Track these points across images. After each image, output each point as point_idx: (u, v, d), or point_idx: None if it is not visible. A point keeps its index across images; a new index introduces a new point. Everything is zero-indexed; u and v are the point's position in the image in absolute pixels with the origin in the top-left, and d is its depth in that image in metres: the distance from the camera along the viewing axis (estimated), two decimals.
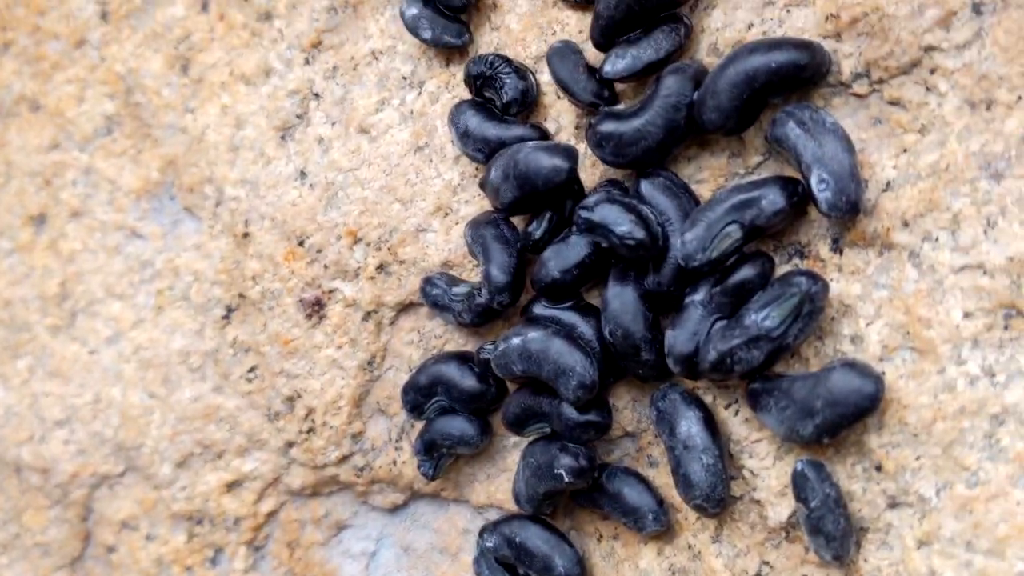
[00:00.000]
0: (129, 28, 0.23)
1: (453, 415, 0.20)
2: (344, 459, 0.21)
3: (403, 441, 0.21)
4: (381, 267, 0.20)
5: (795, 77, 0.16)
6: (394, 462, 0.21)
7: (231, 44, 0.22)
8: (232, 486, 0.23)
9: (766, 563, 0.17)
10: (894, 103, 0.16)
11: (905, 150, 0.16)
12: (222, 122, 0.22)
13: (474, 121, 0.19)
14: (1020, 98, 0.15)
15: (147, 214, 0.23)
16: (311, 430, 0.21)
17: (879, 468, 0.16)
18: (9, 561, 0.25)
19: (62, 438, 0.25)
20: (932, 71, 0.16)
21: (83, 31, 0.24)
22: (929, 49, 0.16)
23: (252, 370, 0.22)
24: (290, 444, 0.22)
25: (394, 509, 0.22)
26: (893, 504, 0.16)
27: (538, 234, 0.18)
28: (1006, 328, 0.15)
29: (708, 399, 0.18)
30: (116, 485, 0.24)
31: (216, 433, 0.22)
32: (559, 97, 0.19)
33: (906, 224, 0.16)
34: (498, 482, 0.20)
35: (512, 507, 0.20)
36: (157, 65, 0.23)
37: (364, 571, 0.22)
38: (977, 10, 0.15)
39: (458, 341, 0.20)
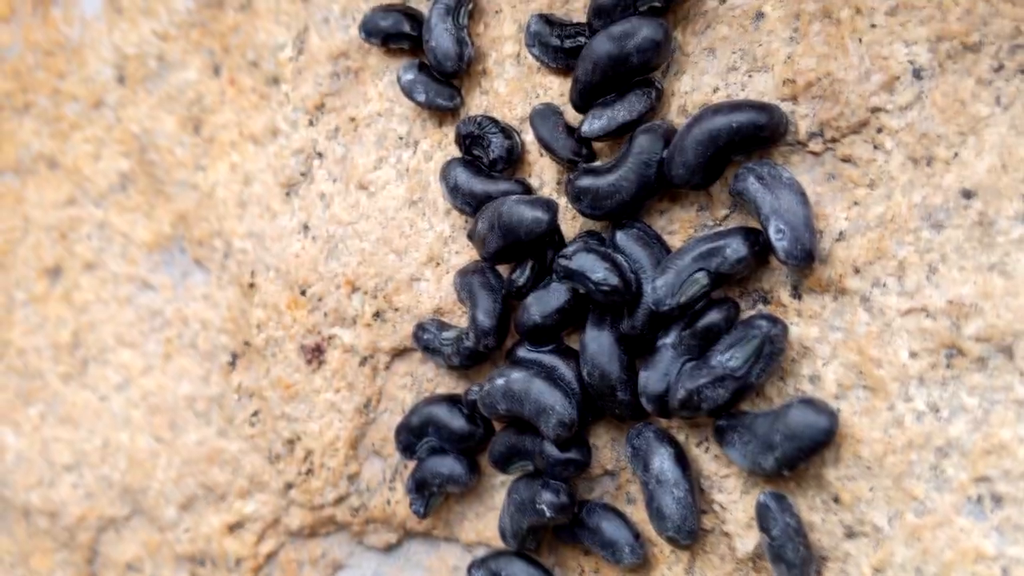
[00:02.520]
0: (144, 91, 0.27)
1: (443, 455, 0.22)
2: (340, 500, 0.24)
3: (396, 481, 0.24)
4: (377, 314, 0.23)
5: (755, 136, 0.19)
6: (388, 502, 0.24)
7: (241, 106, 0.25)
8: (234, 528, 0.25)
9: None
10: (846, 160, 0.19)
11: (856, 203, 0.19)
12: (231, 179, 0.25)
13: (463, 177, 0.22)
14: (957, 154, 0.18)
15: (158, 266, 0.27)
16: (309, 471, 0.24)
17: (836, 499, 0.19)
18: None
19: (70, 482, 0.28)
20: (879, 130, 0.19)
21: (100, 93, 0.28)
22: (876, 110, 0.19)
23: (255, 414, 0.25)
24: (289, 486, 0.25)
25: (388, 548, 0.24)
26: (850, 534, 0.19)
27: (521, 281, 0.21)
28: (948, 367, 0.18)
29: (681, 437, 0.20)
30: (122, 528, 0.27)
31: (219, 476, 0.25)
32: (541, 155, 0.22)
33: (857, 271, 0.19)
34: (486, 520, 0.23)
35: (500, 544, 0.22)
36: (170, 125, 0.26)
37: None
38: (917, 75, 0.18)
39: (449, 384, 0.23)
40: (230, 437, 0.25)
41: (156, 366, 0.26)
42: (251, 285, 0.25)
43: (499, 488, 0.23)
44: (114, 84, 0.27)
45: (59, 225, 0.28)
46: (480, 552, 0.23)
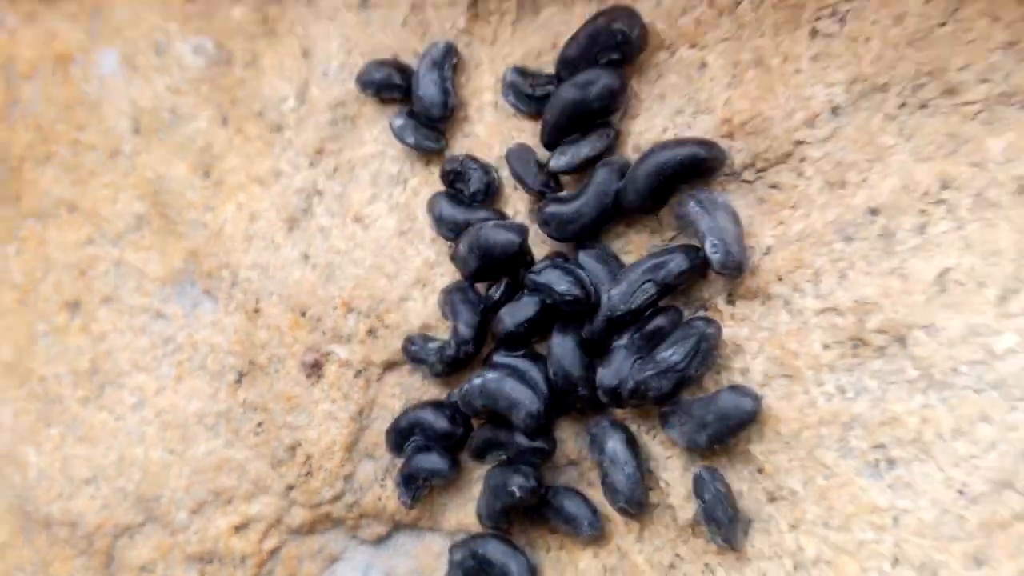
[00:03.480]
0: (158, 140, 0.33)
1: (428, 452, 0.28)
2: (337, 498, 0.29)
3: (387, 479, 0.29)
4: (370, 331, 0.29)
5: (697, 168, 0.25)
6: (379, 498, 0.29)
7: (247, 152, 0.31)
8: (240, 528, 0.30)
9: (677, 555, 0.25)
10: (773, 186, 0.25)
11: (781, 222, 0.25)
12: (238, 217, 0.31)
13: (447, 208, 0.27)
14: (865, 179, 0.24)
15: (170, 297, 0.32)
16: (309, 473, 0.29)
17: (760, 471, 0.24)
18: None
19: (88, 494, 0.33)
20: (801, 160, 0.24)
21: (117, 143, 0.34)
22: (799, 143, 0.24)
23: (259, 425, 0.30)
24: (291, 487, 0.30)
25: (379, 541, 0.29)
26: (771, 499, 0.24)
27: (497, 296, 0.26)
28: (854, 356, 0.23)
29: (633, 427, 0.26)
30: (136, 534, 0.32)
31: (227, 481, 0.30)
32: (515, 188, 0.27)
33: (780, 279, 0.24)
34: (467, 510, 0.28)
35: (478, 530, 0.27)
36: (182, 171, 0.32)
37: None
38: (835, 112, 0.24)
39: (433, 392, 0.28)
40: (236, 447, 0.30)
41: (168, 387, 0.31)
42: (256, 310, 0.30)
43: (476, 482, 0.28)
44: (130, 134, 0.33)
45: (78, 263, 0.33)
46: (461, 538, 0.28)
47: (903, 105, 0.23)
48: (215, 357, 0.31)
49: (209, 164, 0.31)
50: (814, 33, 0.24)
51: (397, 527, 0.29)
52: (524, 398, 0.25)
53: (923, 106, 0.23)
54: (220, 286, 0.31)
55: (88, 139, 0.34)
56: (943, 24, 0.23)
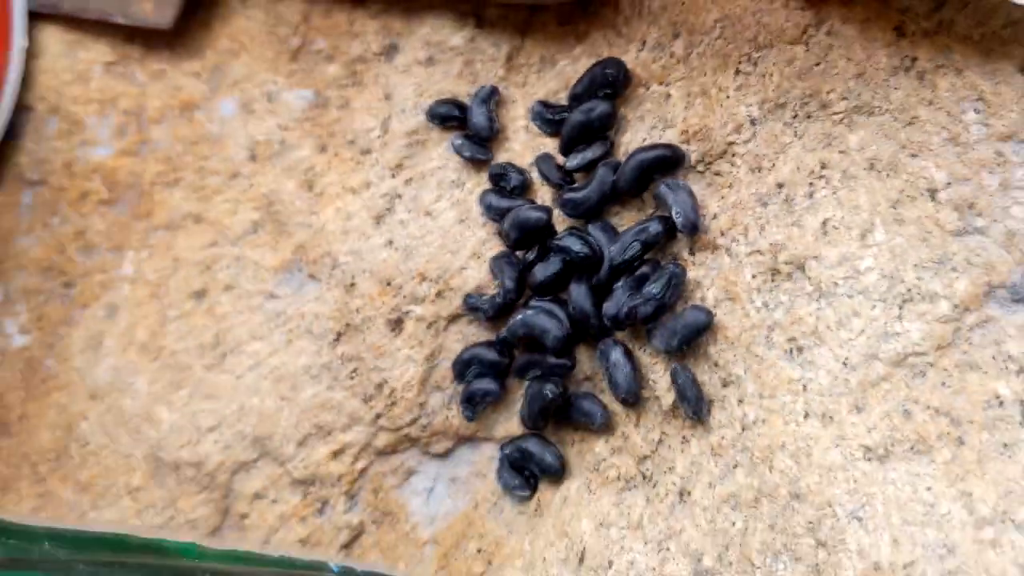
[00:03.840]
0: (271, 165, 0.55)
1: (483, 378, 0.49)
2: (414, 421, 0.50)
3: (452, 404, 0.50)
4: (438, 294, 0.50)
5: (665, 163, 0.47)
6: (446, 418, 0.50)
7: (342, 170, 0.53)
8: (337, 453, 0.51)
9: (664, 432, 0.46)
10: (716, 173, 0.46)
11: (722, 197, 0.46)
12: (336, 217, 0.53)
13: (494, 200, 0.49)
14: (774, 164, 0.45)
15: (282, 282, 0.54)
16: (393, 404, 0.50)
17: (716, 364, 0.45)
18: (165, 536, 0.53)
19: (212, 439, 0.53)
20: (733, 155, 0.46)
21: (237, 168, 0.55)
22: (731, 144, 0.46)
23: (354, 371, 0.51)
24: (378, 416, 0.51)
25: (445, 453, 0.50)
26: (724, 383, 0.45)
27: (531, 258, 0.48)
28: (772, 280, 0.44)
29: (629, 344, 0.47)
30: (251, 468, 0.53)
31: (327, 417, 0.51)
32: (542, 183, 0.49)
33: (723, 234, 0.46)
34: (512, 422, 0.49)
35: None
36: (291, 187, 0.54)
37: (425, 503, 0.50)
38: (752, 123, 0.46)
39: (485, 335, 0.49)
40: (336, 389, 0.51)
41: (280, 349, 0.53)
42: (351, 285, 0.52)
43: (518, 400, 0.49)
44: (247, 161, 0.55)
45: (203, 261, 0.55)
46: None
47: (795, 116, 0.45)
48: (318, 323, 0.52)
49: (312, 180, 0.53)
50: (737, 72, 0.46)
51: (459, 441, 0.50)
52: (552, 327, 0.46)
53: (808, 116, 0.44)
54: (322, 270, 0.52)
55: (212, 166, 0.56)
56: (818, 64, 0.44)
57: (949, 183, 0.40)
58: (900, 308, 0.40)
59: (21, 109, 0.58)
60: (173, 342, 0.53)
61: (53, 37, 0.57)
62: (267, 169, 0.53)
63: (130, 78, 0.56)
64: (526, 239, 0.46)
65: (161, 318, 0.54)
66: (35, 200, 0.56)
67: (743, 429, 0.42)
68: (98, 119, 0.57)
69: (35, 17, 0.58)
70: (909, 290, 0.40)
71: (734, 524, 0.42)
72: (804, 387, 0.41)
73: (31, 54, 0.58)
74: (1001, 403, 0.39)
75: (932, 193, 0.41)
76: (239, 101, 0.54)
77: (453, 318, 0.49)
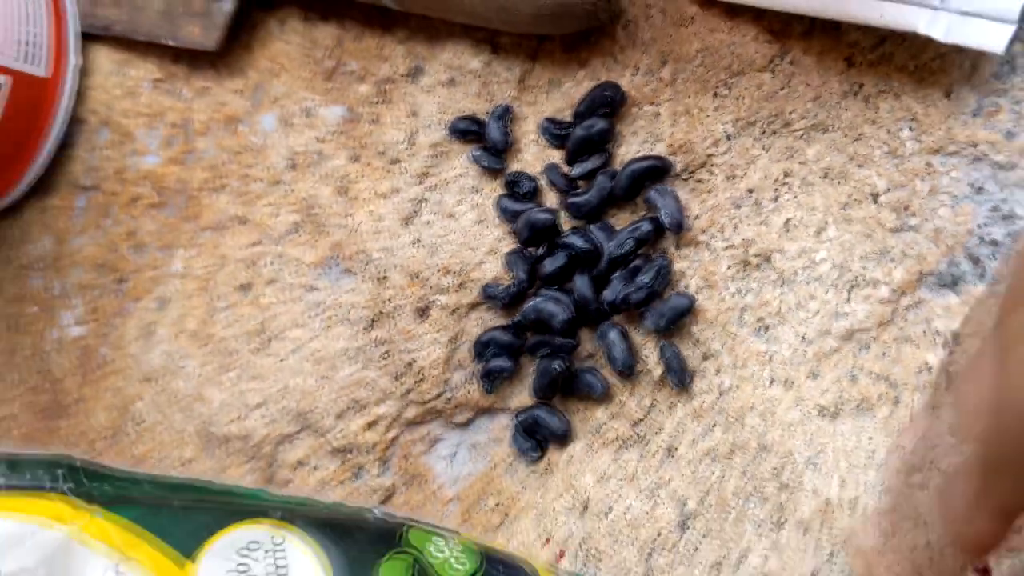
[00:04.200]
0: (309, 173, 0.73)
1: (499, 356, 0.67)
2: (439, 396, 0.68)
3: (472, 381, 0.68)
4: (460, 285, 0.68)
5: (655, 172, 0.65)
6: (467, 392, 0.68)
7: (373, 178, 0.71)
8: (371, 425, 0.69)
9: (654, 399, 0.64)
10: (698, 180, 0.64)
11: (703, 201, 0.64)
12: (369, 219, 0.71)
13: (508, 203, 0.67)
14: (745, 173, 0.63)
15: (320, 276, 0.72)
16: (420, 381, 0.68)
17: (697, 341, 0.63)
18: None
19: (259, 415, 0.71)
20: (712, 165, 0.64)
21: (278, 175, 0.73)
22: (710, 155, 0.64)
23: (386, 353, 0.69)
24: (408, 392, 0.69)
25: (466, 423, 0.68)
26: (704, 357, 0.63)
27: (540, 253, 0.66)
28: (744, 271, 0.63)
29: (625, 326, 0.65)
30: (294, 440, 0.71)
31: (362, 393, 0.69)
32: (550, 189, 0.67)
33: (703, 232, 0.64)
34: (525, 394, 0.67)
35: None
36: (327, 192, 0.72)
37: (449, 466, 0.68)
38: (728, 137, 0.64)
39: (500, 321, 0.68)
40: (369, 369, 0.69)
41: (319, 335, 0.71)
42: (383, 278, 0.70)
43: (530, 375, 0.67)
44: (288, 170, 0.73)
45: (248, 258, 0.73)
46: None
47: (763, 132, 0.63)
48: (354, 311, 0.70)
49: (346, 187, 0.71)
50: (715, 95, 0.64)
51: (479, 412, 0.67)
52: (559, 312, 0.64)
53: (774, 132, 0.63)
54: (357, 265, 0.70)
55: (255, 174, 0.74)
56: (782, 88, 0.62)
57: (888, 189, 0.58)
58: (848, 292, 0.58)
59: (75, 121, 0.76)
60: (221, 330, 0.71)
61: (104, 56, 0.75)
62: (306, 177, 0.71)
63: (177, 94, 0.74)
64: (536, 237, 0.64)
65: (210, 309, 0.71)
66: (88, 204, 0.74)
67: (720, 395, 0.60)
68: (147, 131, 0.75)
69: (88, 38, 0.75)
70: (856, 277, 0.58)
71: (713, 473, 0.59)
72: (770, 358, 0.59)
73: (84, 72, 0.75)
74: (930, 370, 0.57)
75: (875, 197, 0.59)
76: (279, 116, 0.72)
77: (473, 306, 0.66)
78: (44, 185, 0.75)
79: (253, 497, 0.57)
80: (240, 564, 0.50)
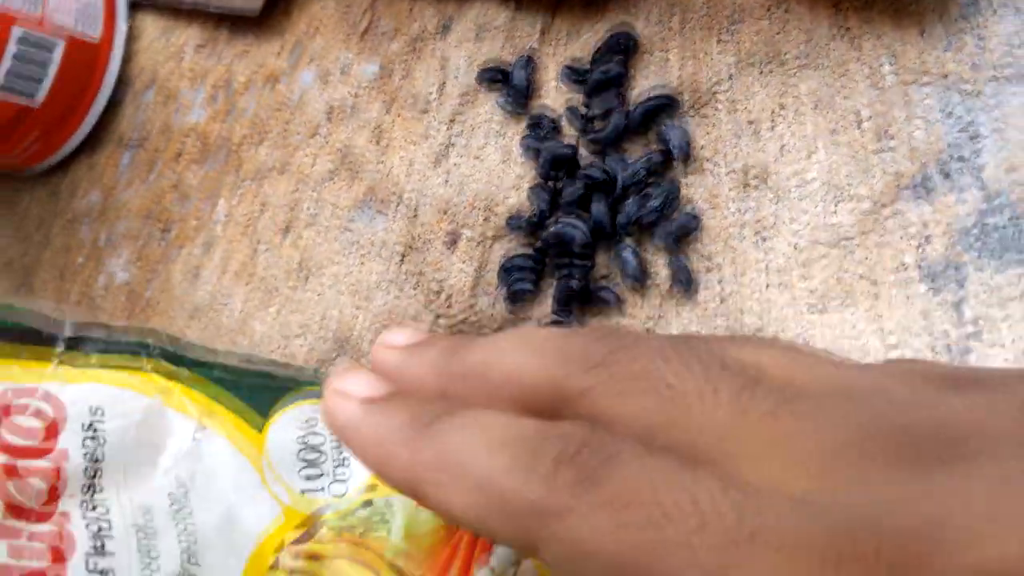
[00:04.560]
0: (344, 123, 0.93)
1: (523, 279, 0.86)
2: (466, 318, 0.87)
3: (496, 303, 0.87)
4: (485, 218, 0.88)
5: (665, 108, 0.85)
6: (493, 312, 0.87)
7: (405, 126, 0.91)
8: None
9: (662, 308, 0.83)
10: (703, 116, 0.84)
11: (708, 132, 0.84)
12: (401, 163, 0.90)
13: (531, 141, 0.87)
14: (745, 107, 0.83)
15: (355, 217, 0.91)
16: (449, 305, 0.88)
17: (702, 255, 0.83)
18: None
19: (299, 343, 0.91)
20: (717, 101, 0.84)
21: (316, 127, 0.93)
22: (714, 93, 0.84)
23: (417, 282, 0.89)
24: (439, 316, 0.88)
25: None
26: (708, 269, 0.82)
27: (560, 185, 0.86)
28: (744, 190, 0.82)
29: (637, 246, 0.85)
30: (334, 363, 0.90)
31: (396, 318, 0.89)
32: (570, 128, 0.87)
33: (708, 160, 0.84)
34: (544, 308, 0.86)
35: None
36: (362, 140, 0.92)
37: None
38: (730, 77, 0.84)
39: (523, 250, 0.87)
40: (402, 297, 0.89)
41: (354, 270, 0.90)
42: (414, 215, 0.89)
43: (551, 295, 0.86)
44: (325, 120, 0.93)
45: (288, 203, 0.93)
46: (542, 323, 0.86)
47: (761, 72, 0.83)
48: (386, 247, 0.89)
49: (380, 135, 0.91)
50: (719, 40, 0.84)
51: (504, 324, 0.87)
52: (578, 234, 0.84)
53: (771, 71, 0.83)
54: (390, 205, 0.90)
55: (293, 127, 0.93)
56: (778, 32, 0.83)
57: (871, 116, 0.78)
58: (835, 205, 0.78)
59: (122, 83, 0.96)
60: (262, 269, 0.90)
61: (150, 23, 0.95)
62: (341, 127, 0.90)
63: (218, 56, 0.94)
64: (556, 169, 0.84)
65: (252, 251, 0.91)
66: (134, 159, 0.94)
67: (721, 300, 0.79)
68: (190, 91, 0.95)
69: (135, 7, 0.96)
70: (841, 192, 0.78)
71: None
72: (766, 266, 0.79)
73: (131, 37, 0.96)
74: (906, 268, 0.76)
75: (859, 123, 0.78)
76: (316, 73, 0.92)
77: (497, 236, 0.86)
78: (92, 143, 0.95)
79: (312, 384, 0.76)
80: (306, 434, 0.69)
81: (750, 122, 0.80)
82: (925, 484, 0.37)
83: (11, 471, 0.55)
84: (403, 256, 0.86)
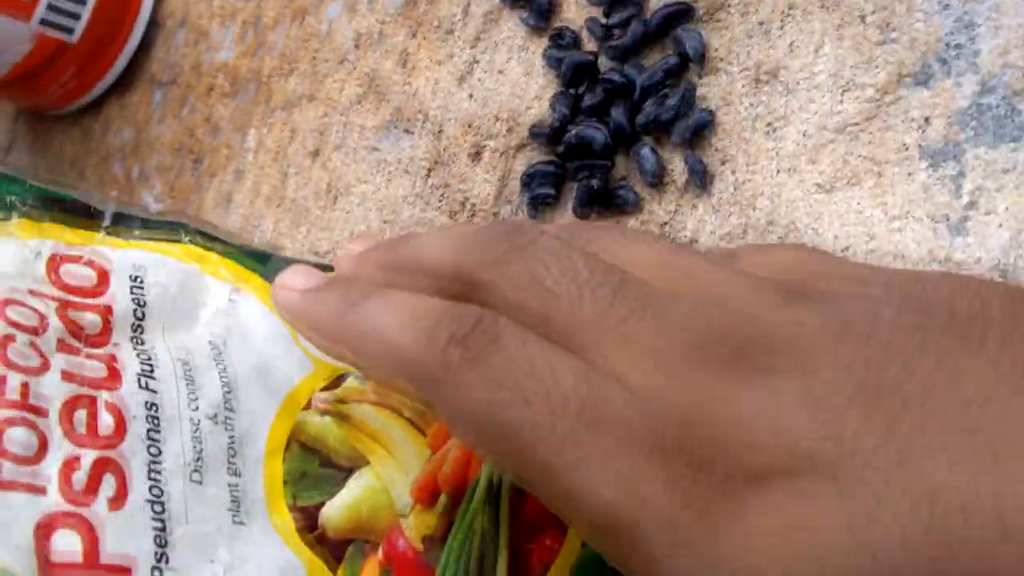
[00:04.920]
0: (372, 50, 1.11)
1: (544, 186, 1.04)
2: None
3: (519, 211, 1.05)
4: (509, 129, 1.06)
5: (681, 15, 1.03)
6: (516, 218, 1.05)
7: (431, 48, 1.10)
8: None
9: (679, 204, 1.01)
10: (717, 20, 1.03)
11: (721, 36, 1.02)
12: (427, 84, 1.09)
13: (554, 52, 1.05)
14: (756, 11, 1.02)
15: (382, 138, 1.09)
16: (473, 215, 1.05)
17: (716, 149, 1.00)
18: None
19: (329, 260, 1.09)
20: (729, 6, 1.02)
21: (344, 55, 1.12)
22: (725, 3, 1.03)
23: (442, 195, 1.07)
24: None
25: None
26: (722, 162, 1.00)
27: (581, 91, 1.04)
28: (756, 87, 1.00)
29: (655, 145, 1.03)
30: None
31: (422, 229, 1.07)
32: (590, 39, 1.05)
33: (722, 61, 1.01)
34: (566, 214, 1.04)
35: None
36: (389, 65, 1.10)
37: None
38: None
39: (544, 157, 1.05)
40: (428, 210, 1.07)
41: (382, 188, 1.08)
42: (440, 131, 1.07)
43: (571, 201, 1.04)
44: (353, 48, 1.11)
45: (317, 128, 1.11)
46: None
47: None
48: (412, 164, 1.07)
49: (406, 59, 1.09)
50: None
51: None
52: (598, 136, 1.02)
53: None
54: (416, 124, 1.08)
55: (322, 55, 1.12)
56: None
57: (874, 11, 0.96)
58: (841, 95, 0.96)
59: (153, 24, 1.15)
60: (293, 192, 1.09)
61: None
62: (368, 54, 1.09)
63: None
64: (578, 77, 1.02)
65: (282, 176, 1.09)
66: (166, 96, 1.12)
67: (735, 189, 0.97)
68: (220, 29, 1.13)
69: None
70: (847, 83, 0.96)
71: None
72: (777, 153, 0.97)
73: None
74: (907, 148, 0.94)
75: (863, 19, 0.96)
76: (343, 4, 1.10)
77: (520, 147, 1.04)
78: (124, 83, 1.14)
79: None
80: None
81: (760, 23, 0.98)
82: (736, 391, 0.47)
83: (68, 304, 0.70)
84: (429, 171, 1.04)
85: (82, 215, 0.75)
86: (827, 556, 0.42)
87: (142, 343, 0.69)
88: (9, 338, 0.61)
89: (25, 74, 1.05)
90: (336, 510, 0.65)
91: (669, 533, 0.44)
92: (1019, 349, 0.43)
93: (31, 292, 0.66)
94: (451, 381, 0.51)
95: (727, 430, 0.46)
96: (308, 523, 0.64)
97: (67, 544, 0.55)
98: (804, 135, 0.93)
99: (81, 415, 0.60)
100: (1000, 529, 0.39)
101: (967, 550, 0.39)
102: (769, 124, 0.95)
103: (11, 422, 0.57)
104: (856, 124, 0.92)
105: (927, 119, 0.91)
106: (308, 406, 0.71)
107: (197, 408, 0.66)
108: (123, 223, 0.78)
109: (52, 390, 0.61)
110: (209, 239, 0.82)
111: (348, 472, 0.68)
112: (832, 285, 0.54)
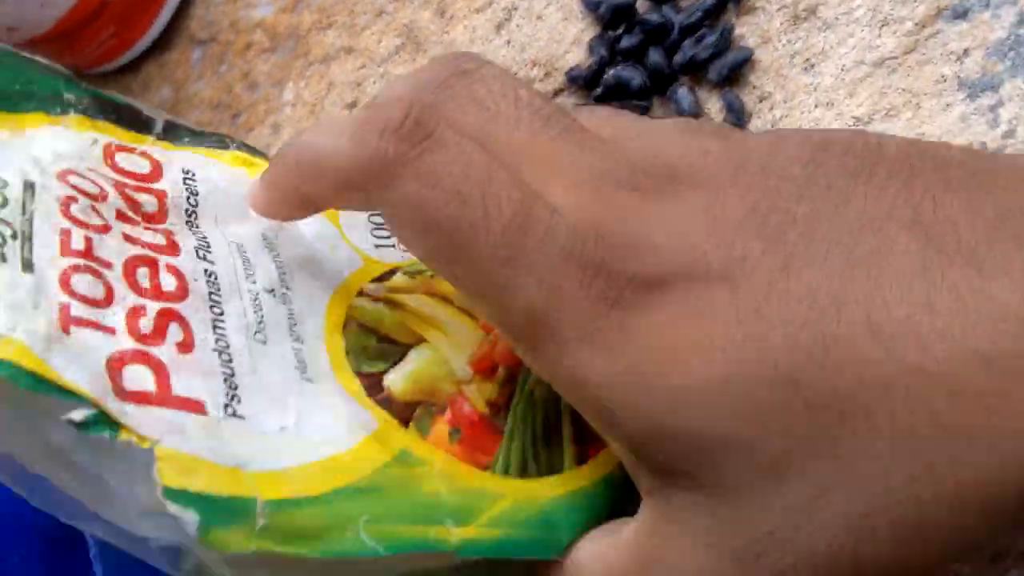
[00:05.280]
0: (408, 2, 1.13)
1: None
2: None
3: None
4: (547, 74, 1.07)
5: (726, 3, 1.05)
6: None
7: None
8: None
9: None
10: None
11: (756, 18, 1.04)
12: (464, 33, 1.10)
13: None
14: None
15: None
16: None
17: (754, 87, 1.01)
18: None
19: None
20: None
21: (381, 8, 1.13)
22: None
23: None
24: None
25: None
26: (760, 99, 1.01)
27: (619, 33, 1.06)
28: (794, 24, 1.02)
29: (692, 85, 1.04)
30: None
31: None
32: None
33: (771, 11, 1.03)
34: None
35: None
36: (427, 15, 1.12)
37: None
38: None
39: (580, 101, 1.07)
40: None
41: None
42: None
43: None
44: (390, 2, 1.13)
45: (354, 80, 1.12)
46: None
47: None
48: None
49: (444, 9, 1.11)
50: None
51: None
52: (636, 76, 1.03)
53: None
54: None
55: (360, 9, 1.13)
56: None
57: None
58: (880, 29, 0.97)
59: None
60: None
61: None
62: (406, 5, 1.11)
63: None
64: (616, 19, 1.03)
65: None
66: (204, 54, 1.14)
67: (772, 126, 0.98)
68: None
69: None
70: (885, 18, 0.97)
71: None
72: (815, 88, 0.98)
73: None
74: (945, 80, 0.95)
75: None
76: None
77: (557, 91, 1.05)
78: (162, 43, 1.15)
79: None
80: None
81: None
82: (645, 208, 0.54)
83: (125, 185, 0.72)
84: None
85: (134, 119, 0.77)
86: (720, 345, 0.49)
87: (197, 227, 0.70)
88: (71, 199, 0.62)
89: (67, 31, 1.07)
90: (400, 375, 0.66)
91: (582, 324, 0.51)
92: (905, 180, 0.51)
93: (90, 169, 0.68)
94: (389, 173, 0.54)
95: (637, 239, 0.52)
96: (374, 387, 0.66)
97: (139, 376, 0.56)
98: (842, 69, 0.95)
99: (144, 271, 0.61)
100: (868, 327, 0.46)
101: (839, 344, 0.46)
102: (807, 60, 0.96)
103: (77, 269, 0.58)
104: (894, 58, 0.93)
105: (965, 51, 0.92)
106: (362, 292, 0.72)
107: (255, 282, 0.66)
108: (173, 131, 0.79)
109: (114, 248, 0.62)
110: (254, 151, 0.83)
111: (407, 347, 0.69)
112: (729, 129, 0.62)
